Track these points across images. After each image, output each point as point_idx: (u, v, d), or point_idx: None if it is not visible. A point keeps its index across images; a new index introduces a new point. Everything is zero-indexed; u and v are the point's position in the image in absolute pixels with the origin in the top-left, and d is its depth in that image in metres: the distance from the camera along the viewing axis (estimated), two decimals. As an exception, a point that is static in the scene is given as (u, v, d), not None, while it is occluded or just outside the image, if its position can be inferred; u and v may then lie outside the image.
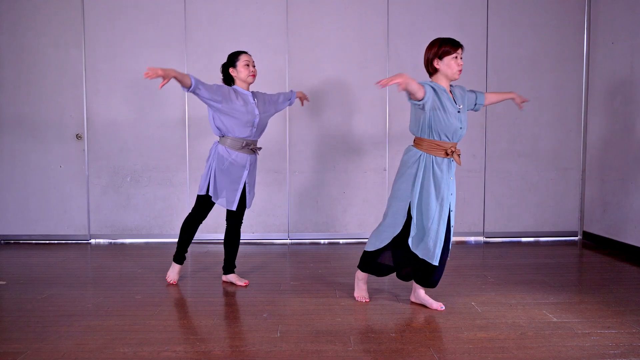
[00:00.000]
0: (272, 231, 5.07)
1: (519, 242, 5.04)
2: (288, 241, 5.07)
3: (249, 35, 4.94)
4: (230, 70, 3.44)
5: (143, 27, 4.92)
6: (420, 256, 2.95)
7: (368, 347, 2.51)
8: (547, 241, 5.07)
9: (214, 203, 3.48)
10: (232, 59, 3.45)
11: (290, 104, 3.78)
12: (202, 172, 3.87)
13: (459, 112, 2.95)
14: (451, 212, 2.99)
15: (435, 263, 2.93)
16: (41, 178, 5.00)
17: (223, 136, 3.42)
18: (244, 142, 3.41)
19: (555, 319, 2.88)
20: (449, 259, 3.06)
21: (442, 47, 2.93)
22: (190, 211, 3.56)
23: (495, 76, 5.02)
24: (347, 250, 4.71)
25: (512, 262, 4.24)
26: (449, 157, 2.95)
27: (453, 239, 5.04)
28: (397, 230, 2.99)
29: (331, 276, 3.79)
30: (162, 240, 5.01)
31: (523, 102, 3.36)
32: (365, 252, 3.14)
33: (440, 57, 2.93)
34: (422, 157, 2.94)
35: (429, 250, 2.93)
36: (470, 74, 4.99)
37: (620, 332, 2.69)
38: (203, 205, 3.49)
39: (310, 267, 4.09)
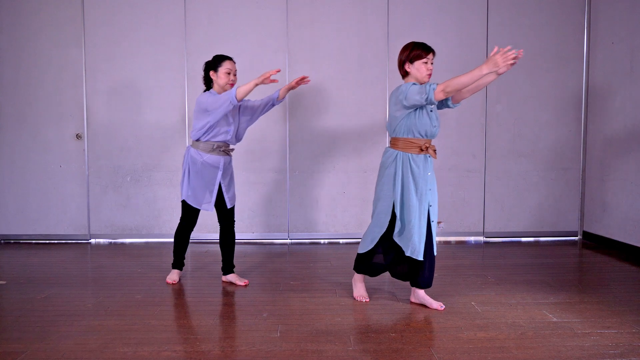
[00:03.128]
0: (272, 231, 5.07)
1: (519, 242, 5.04)
2: (288, 241, 5.07)
3: (249, 35, 4.94)
4: (211, 72, 3.42)
5: (143, 27, 4.92)
6: (407, 253, 2.99)
7: (368, 347, 2.51)
8: (547, 241, 5.07)
9: (211, 210, 3.51)
10: (216, 62, 3.41)
11: (275, 104, 3.55)
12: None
13: (431, 111, 3.03)
14: (430, 207, 3.03)
15: (420, 258, 2.98)
16: (41, 178, 5.00)
17: (197, 140, 3.45)
18: (215, 144, 3.42)
19: (555, 319, 2.88)
20: (436, 254, 3.08)
21: (414, 50, 3.01)
22: (179, 220, 3.59)
23: (495, 76, 5.02)
24: (347, 250, 4.71)
25: (512, 262, 4.24)
26: (424, 152, 3.01)
27: (453, 238, 5.10)
28: (383, 229, 3.06)
29: (331, 276, 3.79)
30: (162, 240, 5.00)
31: (516, 57, 2.71)
32: (358, 254, 3.20)
33: (411, 61, 3.01)
34: (398, 156, 3.02)
35: (415, 245, 2.98)
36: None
37: (620, 332, 2.69)
38: (189, 210, 3.52)
39: (310, 267, 4.09)
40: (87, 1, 4.90)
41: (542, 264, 4.14)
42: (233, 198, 3.57)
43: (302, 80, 3.43)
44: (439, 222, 5.10)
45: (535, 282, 3.62)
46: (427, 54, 2.99)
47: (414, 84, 2.93)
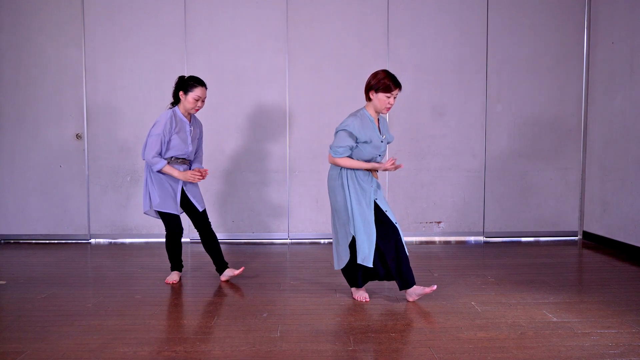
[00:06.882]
0: (272, 231, 5.07)
1: (519, 242, 5.04)
2: (288, 241, 5.07)
3: (249, 35, 4.94)
4: (181, 93, 3.45)
5: (143, 27, 4.92)
6: (357, 260, 3.05)
7: (368, 347, 2.51)
8: (547, 241, 5.07)
9: (179, 213, 3.54)
10: (188, 85, 3.43)
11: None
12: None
13: (382, 141, 3.11)
14: (387, 212, 3.09)
15: (370, 265, 3.02)
16: (41, 178, 5.00)
17: None
18: (173, 157, 3.48)
19: (555, 319, 2.88)
20: (408, 254, 3.13)
21: (384, 80, 3.04)
22: (165, 231, 3.62)
23: (495, 76, 5.02)
24: (347, 250, 4.71)
25: (512, 262, 4.24)
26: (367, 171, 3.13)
27: (453, 238, 5.10)
28: (349, 238, 3.10)
29: (331, 276, 3.78)
30: (162, 240, 5.00)
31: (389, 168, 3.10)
32: (342, 271, 3.23)
33: (377, 90, 3.04)
34: (343, 170, 3.10)
35: (365, 253, 3.03)
36: (471, 74, 5.00)
37: (620, 332, 2.69)
38: (168, 219, 3.53)
39: (310, 267, 4.09)
40: (87, 1, 4.90)
41: (542, 264, 4.14)
42: (201, 201, 3.63)
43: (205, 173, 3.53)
44: (438, 222, 5.10)
45: (535, 282, 3.62)
46: (395, 88, 3.03)
47: (345, 129, 3.00)
